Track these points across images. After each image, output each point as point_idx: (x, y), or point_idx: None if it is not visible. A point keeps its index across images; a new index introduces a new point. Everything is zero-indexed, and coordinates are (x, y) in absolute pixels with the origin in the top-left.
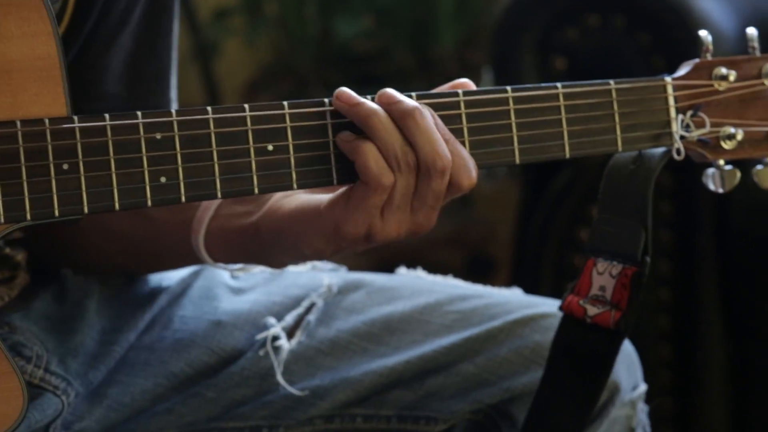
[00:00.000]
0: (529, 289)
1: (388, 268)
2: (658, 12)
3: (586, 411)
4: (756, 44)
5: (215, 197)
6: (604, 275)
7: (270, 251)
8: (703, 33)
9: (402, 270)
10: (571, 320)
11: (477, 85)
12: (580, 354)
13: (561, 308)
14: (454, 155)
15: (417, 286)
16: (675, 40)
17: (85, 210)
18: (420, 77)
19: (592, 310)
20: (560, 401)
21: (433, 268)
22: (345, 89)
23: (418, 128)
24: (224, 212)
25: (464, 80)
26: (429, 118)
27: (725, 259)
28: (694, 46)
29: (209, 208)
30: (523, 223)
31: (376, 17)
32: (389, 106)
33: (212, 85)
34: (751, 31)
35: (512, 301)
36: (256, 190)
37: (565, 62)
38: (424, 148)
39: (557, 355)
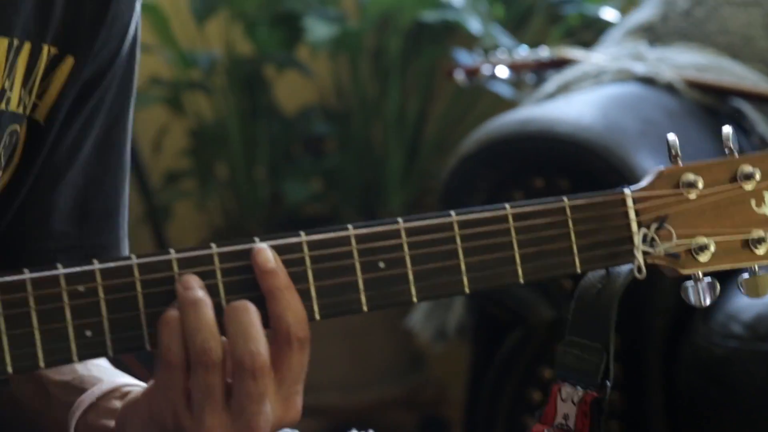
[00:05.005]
0: None
1: (340, 430)
2: (599, 173)
3: None
4: (732, 144)
5: (144, 347)
6: (567, 402)
7: None
8: (671, 137)
9: None
10: None
11: None
12: None
13: None
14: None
15: None
16: None
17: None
18: None
19: None
20: None
21: (385, 431)
22: (266, 250)
23: (240, 325)
24: (102, 404)
25: None
26: (254, 315)
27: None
28: None
29: (91, 395)
30: (474, 384)
31: (324, 180)
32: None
33: (164, 247)
34: (727, 129)
35: None
36: None
37: None
38: (237, 344)
39: None
